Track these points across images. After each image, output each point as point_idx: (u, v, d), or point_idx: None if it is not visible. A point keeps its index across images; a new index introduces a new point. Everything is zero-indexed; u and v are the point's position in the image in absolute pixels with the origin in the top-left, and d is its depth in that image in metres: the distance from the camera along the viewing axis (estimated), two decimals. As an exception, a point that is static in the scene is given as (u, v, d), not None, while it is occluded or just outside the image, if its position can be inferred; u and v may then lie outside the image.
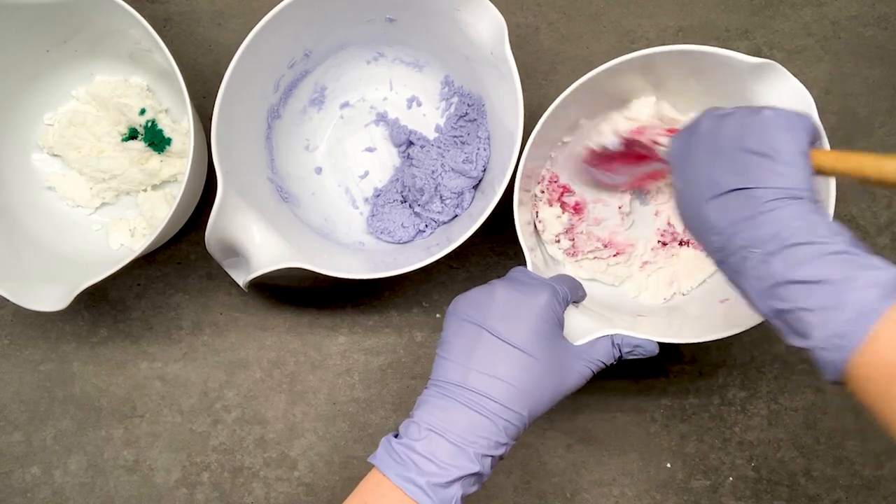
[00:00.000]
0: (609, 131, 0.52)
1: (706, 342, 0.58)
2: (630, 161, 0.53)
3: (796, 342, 0.37)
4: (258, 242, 0.51)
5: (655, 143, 0.49)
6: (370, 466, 0.58)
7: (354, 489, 0.42)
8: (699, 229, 0.41)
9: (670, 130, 0.49)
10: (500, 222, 0.56)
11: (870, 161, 0.38)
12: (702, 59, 0.48)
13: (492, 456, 0.41)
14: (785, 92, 0.47)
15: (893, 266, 0.35)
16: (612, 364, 0.47)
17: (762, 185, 0.38)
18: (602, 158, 0.54)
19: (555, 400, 0.44)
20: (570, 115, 0.53)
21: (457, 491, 0.40)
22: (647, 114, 0.52)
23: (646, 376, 0.58)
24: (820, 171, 0.40)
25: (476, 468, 0.40)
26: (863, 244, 0.37)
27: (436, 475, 0.40)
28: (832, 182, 0.47)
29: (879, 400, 0.34)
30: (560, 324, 0.45)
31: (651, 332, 0.48)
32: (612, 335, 0.47)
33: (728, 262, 0.39)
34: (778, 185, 0.38)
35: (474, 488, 0.41)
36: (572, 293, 0.47)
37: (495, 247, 0.60)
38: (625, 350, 0.47)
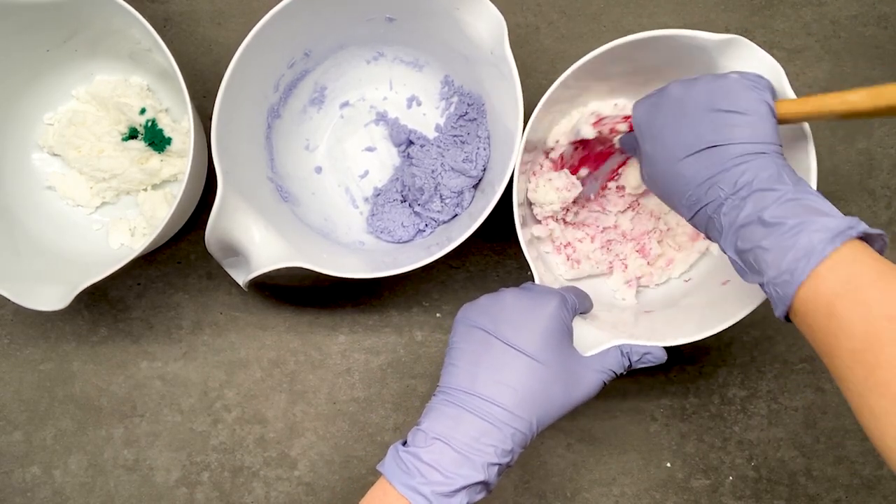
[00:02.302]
0: (573, 127, 0.54)
1: (707, 341, 0.59)
2: (594, 161, 0.56)
3: (752, 279, 0.41)
4: (258, 242, 0.51)
5: (613, 131, 0.53)
6: (370, 466, 0.58)
7: (363, 497, 0.42)
8: (672, 188, 0.45)
9: (626, 117, 0.53)
10: (501, 222, 0.56)
11: (833, 97, 0.42)
12: (670, 43, 0.48)
13: (498, 464, 0.41)
14: (754, 65, 0.48)
15: (845, 217, 0.38)
16: (622, 374, 0.47)
17: (734, 140, 0.42)
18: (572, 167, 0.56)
19: (564, 409, 0.44)
20: (554, 116, 0.54)
21: (462, 500, 0.40)
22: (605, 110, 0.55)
23: (646, 376, 0.58)
24: (786, 120, 0.44)
25: (481, 477, 0.40)
26: (821, 196, 0.40)
27: (440, 484, 0.40)
28: (813, 173, 0.48)
29: (817, 334, 0.37)
30: (569, 332, 0.45)
31: (660, 333, 0.49)
32: (620, 345, 0.47)
33: (703, 212, 0.43)
34: (749, 140, 0.42)
35: (480, 496, 0.41)
36: (580, 303, 0.48)
37: (495, 246, 0.60)
38: (634, 358, 0.47)
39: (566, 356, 0.44)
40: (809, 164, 0.48)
